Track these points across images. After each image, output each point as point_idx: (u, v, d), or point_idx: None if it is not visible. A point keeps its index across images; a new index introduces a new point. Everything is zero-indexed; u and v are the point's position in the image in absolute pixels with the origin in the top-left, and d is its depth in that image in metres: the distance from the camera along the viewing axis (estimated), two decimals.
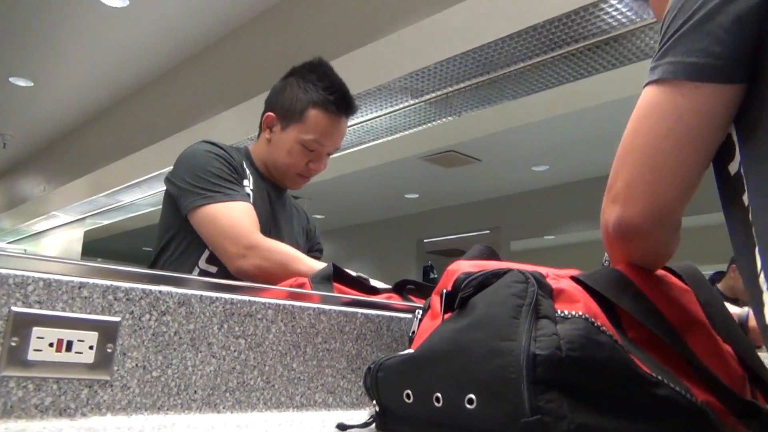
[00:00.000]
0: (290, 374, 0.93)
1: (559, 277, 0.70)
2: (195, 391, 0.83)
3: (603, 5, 2.60)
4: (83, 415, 0.74)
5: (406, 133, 4.16)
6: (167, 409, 0.80)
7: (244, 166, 1.45)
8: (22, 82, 5.08)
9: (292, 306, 0.95)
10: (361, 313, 1.02)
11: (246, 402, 0.88)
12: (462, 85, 3.34)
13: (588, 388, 0.59)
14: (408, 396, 0.69)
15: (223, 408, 0.85)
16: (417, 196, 7.22)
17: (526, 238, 6.50)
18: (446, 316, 0.72)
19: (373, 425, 0.77)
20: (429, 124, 4.00)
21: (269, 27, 3.69)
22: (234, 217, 1.31)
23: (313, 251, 1.68)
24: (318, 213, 7.05)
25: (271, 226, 1.46)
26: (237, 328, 0.88)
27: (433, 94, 3.49)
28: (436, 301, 0.81)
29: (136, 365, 0.79)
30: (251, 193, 1.41)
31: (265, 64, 3.52)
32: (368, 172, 5.64)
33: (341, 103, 1.46)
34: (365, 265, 8.04)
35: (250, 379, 0.88)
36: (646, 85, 0.71)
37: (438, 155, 5.55)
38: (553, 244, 6.60)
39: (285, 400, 0.92)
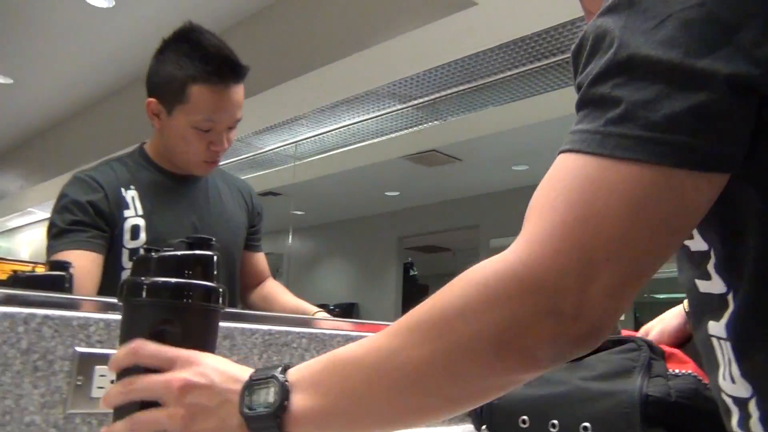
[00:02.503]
0: None
1: (671, 347, 0.85)
2: None
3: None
4: None
5: (392, 135, 4.23)
6: None
7: (123, 192, 1.28)
8: (0, 79, 5.01)
9: (323, 334, 1.00)
10: None
11: None
12: (448, 92, 3.41)
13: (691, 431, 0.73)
14: (524, 422, 0.83)
15: None
16: (398, 193, 7.28)
17: (505, 236, 6.62)
18: None
19: None
20: (414, 128, 4.07)
21: (258, 31, 3.71)
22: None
23: (250, 240, 1.50)
24: (298, 209, 7.06)
25: (181, 223, 1.33)
26: (275, 358, 0.93)
27: (420, 100, 3.56)
28: None
29: None
30: (140, 219, 1.27)
31: (254, 67, 3.54)
32: (350, 172, 5.69)
33: (223, 71, 1.26)
34: (346, 262, 8.09)
35: None
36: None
37: (420, 155, 5.62)
38: None
39: None
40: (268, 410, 0.51)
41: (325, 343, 1.00)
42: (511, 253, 0.47)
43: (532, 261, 0.45)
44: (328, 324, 1.05)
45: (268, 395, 0.52)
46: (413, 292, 8.21)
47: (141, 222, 1.26)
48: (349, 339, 1.03)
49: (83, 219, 1.22)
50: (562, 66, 3.07)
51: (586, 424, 0.76)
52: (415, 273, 8.35)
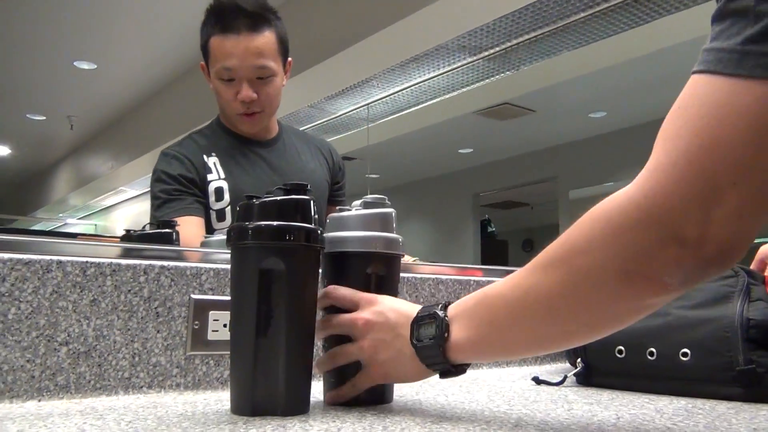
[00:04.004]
0: None
1: None
2: None
3: None
4: None
5: (463, 90, 4.18)
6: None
7: (206, 158, 1.38)
8: (85, 65, 5.27)
9: (414, 278, 1.03)
10: (474, 280, 1.11)
11: None
12: (520, 39, 3.33)
13: None
14: (620, 351, 0.84)
15: None
16: (471, 150, 7.21)
17: (584, 186, 6.45)
18: None
19: (566, 382, 0.90)
20: (486, 81, 4.00)
21: None
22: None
23: (335, 196, 1.55)
24: (373, 173, 7.13)
25: (262, 184, 1.38)
26: None
27: (491, 51, 3.49)
28: None
29: None
30: (223, 182, 1.36)
31: (321, 33, 3.57)
32: (422, 131, 5.68)
33: (231, 19, 1.31)
34: (423, 222, 8.13)
35: None
36: None
37: (492, 109, 5.52)
38: (613, 190, 6.52)
39: None
40: (432, 341, 0.61)
41: (416, 287, 1.03)
42: (634, 185, 0.48)
43: (654, 191, 0.46)
44: (418, 269, 1.08)
45: (431, 329, 0.61)
46: (492, 249, 8.19)
47: (224, 184, 1.36)
48: (439, 282, 1.06)
49: (179, 188, 1.33)
50: (640, 2, 2.93)
51: (686, 350, 0.76)
52: (493, 229, 8.30)
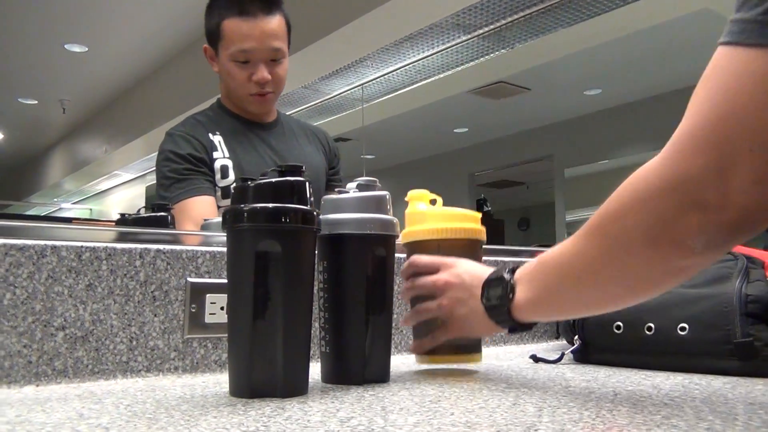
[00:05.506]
0: None
1: None
2: None
3: None
4: None
5: (458, 69, 4.15)
6: None
7: (211, 136, 1.39)
8: (77, 48, 5.20)
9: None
10: None
11: None
12: (515, 17, 3.30)
13: None
14: (618, 327, 0.85)
15: None
16: (466, 129, 7.19)
17: (580, 165, 6.45)
18: None
19: (563, 360, 0.90)
20: (481, 59, 3.98)
21: None
22: (183, 214, 1.28)
23: (332, 180, 1.58)
24: (368, 153, 7.11)
25: (265, 164, 1.41)
26: None
27: (485, 29, 3.46)
28: None
29: None
30: (228, 160, 1.37)
31: (317, 10, 3.53)
32: (417, 111, 5.65)
33: (241, 2, 1.34)
34: None
35: None
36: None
37: (486, 87, 5.49)
38: (609, 168, 6.53)
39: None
40: (498, 302, 0.69)
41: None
42: (659, 155, 0.51)
43: (675, 160, 0.49)
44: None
45: (499, 290, 0.69)
46: (488, 228, 8.16)
47: (229, 163, 1.38)
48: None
49: (189, 167, 1.34)
50: None
51: (684, 324, 0.77)
52: (489, 209, 8.29)
